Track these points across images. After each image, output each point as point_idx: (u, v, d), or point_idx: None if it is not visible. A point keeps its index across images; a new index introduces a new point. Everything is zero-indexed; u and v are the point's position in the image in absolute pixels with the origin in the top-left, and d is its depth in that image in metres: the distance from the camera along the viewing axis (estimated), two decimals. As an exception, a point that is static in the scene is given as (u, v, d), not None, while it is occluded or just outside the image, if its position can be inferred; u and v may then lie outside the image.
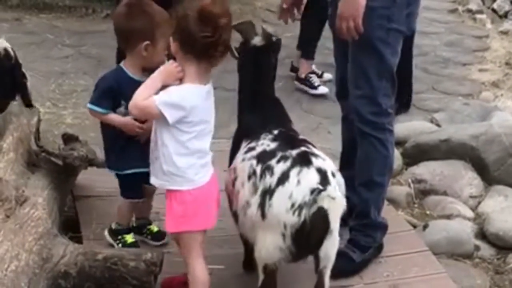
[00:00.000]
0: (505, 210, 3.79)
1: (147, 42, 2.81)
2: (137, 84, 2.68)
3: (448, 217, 3.74)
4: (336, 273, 2.89)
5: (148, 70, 2.80)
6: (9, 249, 2.59)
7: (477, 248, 3.58)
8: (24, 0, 7.21)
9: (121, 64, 2.95)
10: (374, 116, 3.07)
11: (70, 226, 3.36)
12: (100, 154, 3.54)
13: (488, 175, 4.05)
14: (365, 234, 3.21)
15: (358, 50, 3.03)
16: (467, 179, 4.02)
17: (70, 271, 2.69)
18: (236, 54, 3.01)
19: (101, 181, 3.61)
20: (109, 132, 2.99)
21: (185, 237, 2.69)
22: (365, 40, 2.95)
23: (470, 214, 3.82)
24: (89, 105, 2.94)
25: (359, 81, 3.07)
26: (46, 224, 2.81)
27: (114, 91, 2.89)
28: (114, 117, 2.90)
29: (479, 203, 3.93)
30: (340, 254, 3.11)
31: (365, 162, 3.16)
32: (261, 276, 2.71)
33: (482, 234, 3.68)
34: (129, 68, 2.92)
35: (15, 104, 3.59)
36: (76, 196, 3.58)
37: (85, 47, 6.19)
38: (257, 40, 2.99)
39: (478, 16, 7.52)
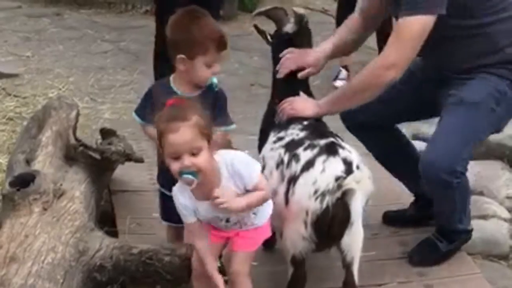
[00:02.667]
0: (543, 212, 3.75)
1: (182, 55, 2.67)
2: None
3: (484, 217, 3.70)
4: (419, 261, 3.04)
5: (199, 87, 2.73)
6: (46, 241, 2.63)
7: (513, 249, 3.55)
8: (65, -5, 7.34)
9: (170, 77, 2.80)
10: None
11: (106, 220, 3.40)
12: (136, 149, 3.58)
13: (526, 176, 4.01)
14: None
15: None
16: (504, 180, 3.98)
17: (105, 264, 2.72)
18: (270, 39, 3.02)
19: (137, 176, 3.65)
20: None
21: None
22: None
23: (506, 215, 3.77)
24: (133, 113, 2.85)
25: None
26: (82, 217, 2.85)
27: (153, 104, 2.68)
28: (152, 131, 2.66)
29: (516, 203, 3.89)
30: (426, 242, 3.19)
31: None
32: (290, 269, 2.73)
33: (518, 236, 3.64)
34: (175, 82, 2.77)
35: (55, 99, 3.64)
36: (113, 191, 3.62)
37: (124, 43, 6.27)
38: (289, 27, 2.99)
39: None
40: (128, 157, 3.47)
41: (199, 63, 2.67)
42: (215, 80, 2.73)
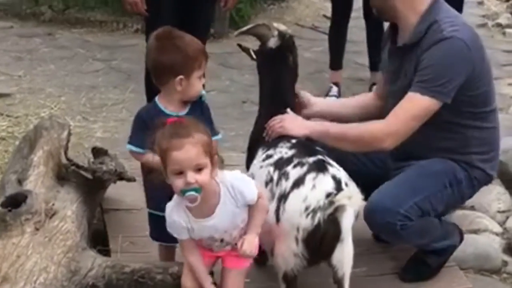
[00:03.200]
0: (534, 225, 3.76)
1: (181, 76, 2.69)
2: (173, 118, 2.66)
3: (476, 232, 3.72)
4: (410, 279, 3.08)
5: (187, 103, 2.77)
6: (38, 261, 2.63)
7: (505, 263, 3.55)
8: (56, 15, 7.36)
9: (156, 100, 2.81)
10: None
11: (98, 239, 3.40)
12: (128, 168, 3.59)
13: (517, 190, 4.03)
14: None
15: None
16: (495, 194, 3.99)
17: (98, 284, 2.73)
18: (254, 56, 3.04)
19: (130, 194, 3.65)
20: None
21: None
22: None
23: (498, 229, 3.79)
24: (127, 146, 2.82)
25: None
26: (74, 237, 2.86)
27: (149, 127, 2.63)
28: (150, 157, 2.64)
29: (507, 218, 3.89)
30: (415, 259, 3.21)
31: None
32: (282, 286, 2.73)
33: (510, 249, 3.64)
34: (164, 103, 2.77)
35: (46, 119, 3.64)
36: (105, 209, 3.62)
37: (115, 62, 6.28)
38: (272, 42, 3.01)
39: (508, 30, 7.49)
40: (120, 176, 3.48)
41: (195, 78, 2.72)
42: (203, 91, 2.79)
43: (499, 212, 3.92)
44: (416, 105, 2.91)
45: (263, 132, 2.99)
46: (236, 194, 2.48)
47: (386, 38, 3.23)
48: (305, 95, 3.24)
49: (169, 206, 2.53)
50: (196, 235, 2.54)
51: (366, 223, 2.94)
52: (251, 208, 2.53)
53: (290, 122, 2.98)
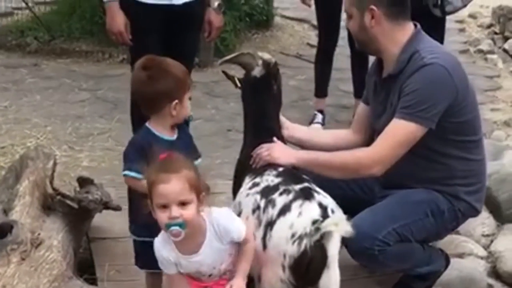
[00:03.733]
0: (519, 249, 3.79)
1: (176, 101, 2.74)
2: (168, 143, 2.72)
3: (461, 255, 3.73)
4: None
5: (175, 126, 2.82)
6: (24, 291, 2.63)
7: (490, 287, 3.57)
8: (42, 46, 7.39)
9: (148, 125, 2.82)
10: None
11: (85, 268, 3.40)
12: (115, 197, 3.60)
13: (501, 214, 4.05)
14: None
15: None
16: (480, 218, 3.99)
17: (84, 312, 2.73)
18: (239, 84, 3.07)
19: (116, 223, 3.66)
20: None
21: None
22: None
23: (482, 252, 3.81)
24: (124, 173, 2.79)
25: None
26: (60, 266, 2.86)
27: (147, 153, 2.64)
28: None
29: (492, 241, 3.91)
30: (401, 284, 3.22)
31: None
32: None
33: (495, 273, 3.66)
34: (158, 128, 2.80)
35: (32, 149, 3.66)
36: (91, 238, 3.62)
37: (101, 91, 6.30)
38: (257, 71, 3.04)
39: (490, 56, 7.60)
40: (106, 205, 3.49)
41: (186, 100, 2.78)
42: (191, 112, 2.85)
43: (483, 236, 3.95)
44: (401, 131, 2.94)
45: (249, 160, 3.01)
46: (221, 231, 2.51)
47: (372, 72, 3.28)
48: (282, 119, 3.27)
49: (157, 241, 2.54)
50: (184, 270, 2.56)
51: (345, 248, 2.95)
52: (239, 252, 2.57)
53: (277, 151, 3.00)
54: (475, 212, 3.21)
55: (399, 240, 2.97)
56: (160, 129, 2.80)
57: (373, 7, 3.01)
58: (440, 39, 4.71)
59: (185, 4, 4.01)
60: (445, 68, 2.94)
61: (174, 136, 2.81)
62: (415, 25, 3.10)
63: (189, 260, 2.52)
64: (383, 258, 2.93)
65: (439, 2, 4.46)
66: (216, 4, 4.17)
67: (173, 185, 2.37)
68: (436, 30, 4.62)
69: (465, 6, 4.69)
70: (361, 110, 3.36)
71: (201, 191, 2.44)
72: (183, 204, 2.38)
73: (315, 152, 3.15)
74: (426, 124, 2.93)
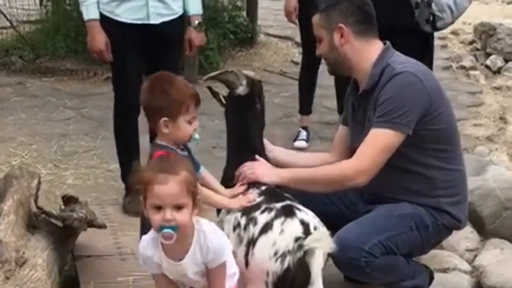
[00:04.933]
0: (502, 263, 3.80)
1: (165, 118, 2.76)
2: None
3: (445, 270, 3.75)
4: None
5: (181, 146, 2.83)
6: (8, 310, 2.63)
7: (474, 301, 3.59)
8: (27, 65, 7.39)
9: (157, 141, 2.85)
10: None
11: (70, 286, 3.39)
12: (100, 215, 3.60)
13: (484, 229, 4.08)
14: None
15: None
16: (463, 233, 4.03)
17: (69, 331, 2.73)
18: (224, 101, 3.09)
19: (101, 241, 3.66)
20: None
21: None
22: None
23: (467, 267, 3.83)
24: None
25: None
26: (45, 285, 2.86)
27: None
28: None
29: (476, 256, 3.94)
30: None
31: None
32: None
33: (479, 288, 3.70)
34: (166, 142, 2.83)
35: (16, 168, 3.66)
36: (76, 256, 3.62)
37: (86, 109, 6.31)
38: (241, 90, 3.06)
39: (472, 72, 7.66)
40: (91, 223, 3.49)
41: (182, 122, 2.78)
42: (197, 136, 2.84)
43: (467, 250, 3.97)
44: (380, 140, 2.98)
45: (233, 178, 3.02)
46: (204, 244, 2.46)
47: (348, 93, 3.32)
48: (264, 141, 3.28)
49: (145, 240, 2.52)
50: (167, 273, 2.53)
51: (331, 260, 2.97)
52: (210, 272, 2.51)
53: (261, 169, 3.01)
54: (459, 224, 3.24)
55: (385, 252, 2.99)
56: (170, 144, 2.81)
57: (341, 25, 3.07)
58: (430, 55, 4.77)
59: (163, 23, 4.06)
60: (415, 75, 2.99)
61: (184, 153, 2.82)
62: (384, 43, 3.16)
63: (172, 266, 2.49)
64: (370, 269, 2.94)
65: (431, 18, 4.51)
66: (196, 22, 4.22)
67: (171, 188, 2.33)
68: (426, 45, 4.69)
69: (454, 21, 4.75)
70: (340, 133, 3.40)
71: (197, 194, 2.41)
72: (178, 207, 2.34)
73: (297, 169, 3.17)
74: (403, 130, 2.96)
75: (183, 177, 2.36)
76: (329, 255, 2.87)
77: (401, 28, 4.37)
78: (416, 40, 4.45)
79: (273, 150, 3.33)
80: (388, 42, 3.17)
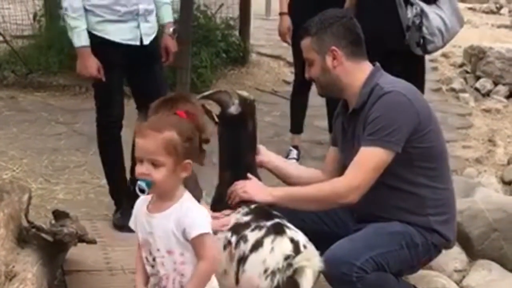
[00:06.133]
0: (490, 284, 3.83)
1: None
2: None
3: (433, 291, 3.78)
4: None
5: None
6: (-3, 324, 2.62)
7: (462, 322, 3.61)
8: (19, 79, 7.40)
9: None
10: None
11: (59, 301, 3.40)
12: (90, 230, 3.60)
13: (472, 250, 4.10)
14: None
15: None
16: (452, 253, 4.05)
17: None
18: (216, 120, 3.09)
19: (91, 255, 3.67)
20: None
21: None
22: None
23: (455, 288, 3.86)
24: None
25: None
26: (35, 299, 2.85)
27: None
28: None
29: (464, 277, 3.96)
30: None
31: None
32: None
33: (467, 308, 3.71)
34: None
35: (7, 182, 3.66)
36: (66, 271, 3.62)
37: (78, 125, 6.31)
38: (233, 109, 3.08)
39: (461, 94, 7.74)
40: (81, 238, 3.50)
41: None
42: None
43: (455, 271, 3.99)
44: (369, 158, 3.00)
45: (225, 196, 3.03)
46: (182, 217, 2.39)
47: (338, 113, 3.35)
48: (258, 146, 3.31)
49: (141, 198, 2.50)
50: (138, 231, 2.49)
51: (323, 275, 2.97)
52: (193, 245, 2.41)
53: (253, 188, 3.03)
54: (447, 243, 3.26)
55: (376, 268, 2.99)
56: None
57: (334, 48, 3.10)
58: (421, 77, 4.82)
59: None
60: (404, 95, 3.03)
61: None
62: (374, 64, 3.20)
63: (147, 219, 2.45)
64: (361, 285, 2.94)
65: (422, 41, 4.56)
66: (171, 29, 4.28)
67: (148, 142, 2.34)
68: (417, 68, 4.73)
69: (445, 45, 4.81)
70: (330, 153, 3.43)
71: (183, 158, 2.38)
72: (154, 164, 2.34)
73: (290, 188, 3.20)
74: (392, 148, 2.99)
75: (165, 136, 2.34)
76: (320, 271, 2.89)
77: (392, 51, 4.43)
78: (407, 62, 4.50)
79: (268, 155, 3.36)
80: (377, 63, 3.22)
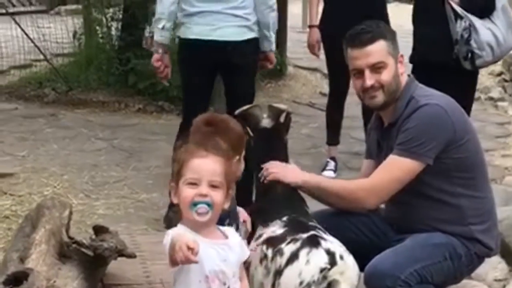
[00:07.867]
0: (530, 294, 3.79)
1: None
2: None
3: (473, 301, 3.75)
4: None
5: None
6: (38, 339, 2.66)
7: (502, 332, 3.57)
8: (60, 96, 7.54)
9: None
10: None
11: (99, 315, 3.44)
12: (129, 244, 3.65)
13: (513, 259, 4.07)
14: None
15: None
16: (492, 263, 4.02)
17: None
18: (251, 133, 3.11)
19: (131, 269, 3.70)
20: None
21: None
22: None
23: (495, 297, 3.83)
24: None
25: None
26: (75, 313, 2.89)
27: None
28: None
29: (504, 286, 3.92)
30: None
31: None
32: None
33: (508, 318, 3.67)
34: None
35: (48, 199, 3.72)
36: (106, 285, 3.65)
37: (117, 140, 6.39)
38: (265, 122, 3.12)
39: (500, 103, 7.67)
40: (121, 252, 3.53)
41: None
42: None
43: (495, 280, 3.95)
44: (396, 167, 3.01)
45: (258, 211, 3.05)
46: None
47: (372, 128, 3.35)
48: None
49: (174, 230, 2.29)
50: (202, 263, 2.24)
51: (365, 283, 2.97)
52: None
53: (286, 169, 3.09)
54: (490, 252, 3.23)
55: (420, 281, 2.99)
56: None
57: (401, 54, 3.15)
58: (471, 94, 4.71)
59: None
60: (440, 106, 3.03)
61: None
62: (409, 75, 3.20)
63: (212, 244, 2.28)
64: None
65: (469, 55, 4.50)
66: None
67: (210, 163, 2.26)
68: (467, 84, 4.58)
69: (496, 62, 4.70)
70: (364, 166, 3.42)
71: (230, 186, 2.33)
72: (213, 186, 2.24)
73: (320, 177, 3.31)
74: (422, 160, 2.98)
75: (223, 160, 2.30)
76: (364, 282, 2.91)
77: (442, 65, 4.39)
78: (455, 77, 4.42)
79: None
80: (411, 75, 3.21)
